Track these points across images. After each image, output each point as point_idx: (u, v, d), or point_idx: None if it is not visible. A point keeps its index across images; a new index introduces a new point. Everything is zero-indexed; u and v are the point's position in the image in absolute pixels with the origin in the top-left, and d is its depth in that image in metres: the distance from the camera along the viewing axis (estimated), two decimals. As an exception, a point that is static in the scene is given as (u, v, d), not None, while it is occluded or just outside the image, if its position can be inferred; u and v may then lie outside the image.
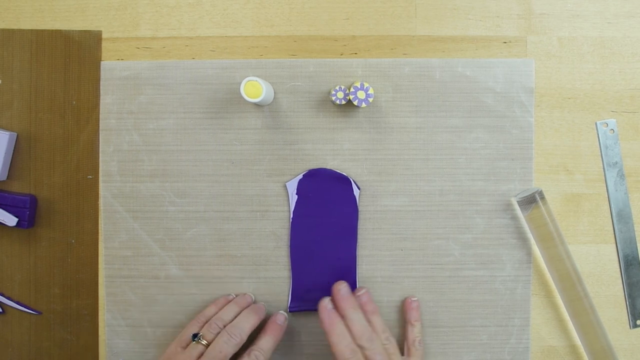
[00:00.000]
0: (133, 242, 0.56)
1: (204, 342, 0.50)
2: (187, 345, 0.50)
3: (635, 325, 0.56)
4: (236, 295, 0.56)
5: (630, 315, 0.56)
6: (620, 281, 0.56)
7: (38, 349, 0.57)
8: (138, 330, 0.56)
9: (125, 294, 0.56)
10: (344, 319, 0.50)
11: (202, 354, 0.49)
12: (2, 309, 0.56)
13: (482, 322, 0.56)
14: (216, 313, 0.53)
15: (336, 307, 0.51)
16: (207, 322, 0.52)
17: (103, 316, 0.56)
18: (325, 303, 0.51)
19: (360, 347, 0.49)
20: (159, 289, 0.56)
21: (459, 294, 0.56)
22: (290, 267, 0.56)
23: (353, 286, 0.55)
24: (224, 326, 0.51)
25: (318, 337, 0.56)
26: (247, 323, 0.51)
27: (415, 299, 0.55)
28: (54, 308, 0.57)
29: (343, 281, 0.53)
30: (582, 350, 0.56)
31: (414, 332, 0.54)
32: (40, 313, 0.57)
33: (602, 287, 0.56)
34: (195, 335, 0.50)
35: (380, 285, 0.56)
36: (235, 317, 0.52)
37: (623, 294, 0.56)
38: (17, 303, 0.56)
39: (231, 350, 0.49)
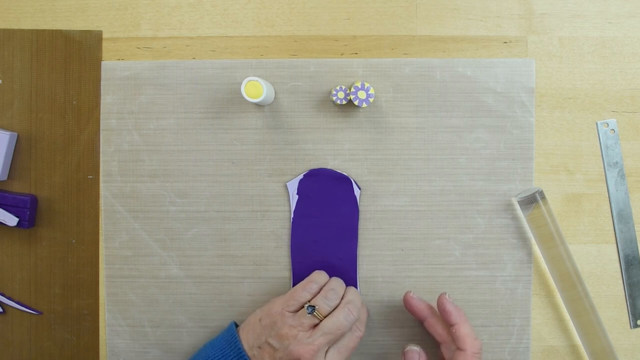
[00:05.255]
0: (133, 242, 0.56)
1: (320, 316, 0.47)
2: (296, 310, 0.48)
3: (635, 325, 0.56)
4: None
5: (630, 315, 0.56)
6: (620, 281, 0.56)
7: (38, 349, 0.57)
8: (138, 330, 0.56)
9: (125, 294, 0.56)
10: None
11: (315, 325, 0.47)
12: (2, 309, 0.56)
13: (482, 322, 0.56)
14: (326, 282, 0.51)
15: None
16: (319, 290, 0.49)
17: (103, 316, 0.56)
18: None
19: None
20: (159, 289, 0.56)
21: (460, 294, 0.56)
22: (290, 267, 0.56)
23: (354, 286, 0.55)
24: (340, 299, 0.49)
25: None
26: (357, 300, 0.50)
27: (447, 296, 0.51)
28: (55, 308, 0.56)
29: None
30: (582, 350, 0.56)
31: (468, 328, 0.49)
32: (40, 313, 0.57)
33: (603, 287, 0.56)
34: (310, 307, 0.48)
35: (381, 285, 0.56)
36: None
37: (623, 294, 0.56)
38: (18, 303, 0.56)
39: (348, 327, 0.48)
